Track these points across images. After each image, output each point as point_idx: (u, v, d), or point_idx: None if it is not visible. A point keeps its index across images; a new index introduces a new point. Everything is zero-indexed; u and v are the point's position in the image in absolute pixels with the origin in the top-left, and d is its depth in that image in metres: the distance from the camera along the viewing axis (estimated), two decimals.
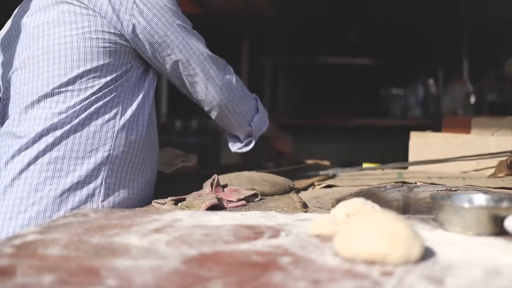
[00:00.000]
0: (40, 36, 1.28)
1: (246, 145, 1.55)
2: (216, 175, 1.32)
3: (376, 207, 0.78)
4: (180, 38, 1.34)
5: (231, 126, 1.52)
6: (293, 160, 1.83)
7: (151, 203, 1.29)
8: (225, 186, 1.33)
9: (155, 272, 0.57)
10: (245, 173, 1.42)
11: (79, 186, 1.24)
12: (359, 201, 0.77)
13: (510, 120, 1.84)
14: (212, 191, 1.27)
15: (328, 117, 5.19)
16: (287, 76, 7.62)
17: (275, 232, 0.75)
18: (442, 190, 1.42)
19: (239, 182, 1.37)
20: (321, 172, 1.70)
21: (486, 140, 1.81)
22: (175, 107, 5.35)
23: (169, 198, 1.23)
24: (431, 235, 0.73)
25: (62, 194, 1.22)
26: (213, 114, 1.48)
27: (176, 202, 1.23)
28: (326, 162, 2.02)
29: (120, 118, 1.30)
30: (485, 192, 1.38)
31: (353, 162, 2.28)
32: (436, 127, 2.04)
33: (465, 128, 1.91)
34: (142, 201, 1.36)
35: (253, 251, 0.65)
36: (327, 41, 6.97)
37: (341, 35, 6.78)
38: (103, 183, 1.27)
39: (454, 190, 1.41)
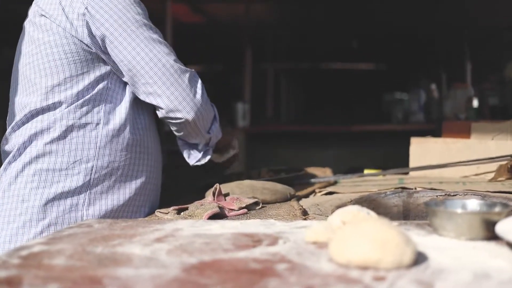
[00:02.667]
0: (21, 55, 1.33)
1: (204, 155, 1.47)
2: (218, 184, 1.34)
3: (372, 213, 0.81)
4: (135, 45, 1.28)
5: (193, 134, 1.41)
6: (295, 168, 1.85)
7: (154, 209, 1.32)
8: (227, 194, 1.36)
9: (156, 280, 0.59)
10: (247, 182, 1.44)
11: (63, 196, 1.26)
12: (354, 208, 0.79)
13: (509, 124, 1.85)
14: (214, 200, 1.29)
15: (331, 123, 5.21)
16: (290, 83, 7.64)
17: (273, 240, 0.77)
18: (441, 195, 1.43)
19: (240, 191, 1.39)
20: (322, 179, 1.72)
21: (486, 145, 1.82)
22: None
23: (172, 208, 1.25)
24: (425, 240, 0.75)
25: (46, 204, 1.25)
26: (177, 123, 1.37)
27: (179, 212, 1.25)
28: (327, 171, 2.04)
29: (103, 128, 1.29)
30: (483, 196, 1.40)
31: (356, 168, 2.29)
32: (438, 132, 2.06)
33: (465, 133, 1.93)
34: (140, 208, 1.37)
35: (251, 258, 0.67)
36: (329, 47, 6.99)
37: (343, 41, 6.81)
38: (88, 192, 1.28)
39: (453, 195, 1.43)
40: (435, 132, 2.15)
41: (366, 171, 1.91)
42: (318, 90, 7.47)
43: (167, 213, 1.25)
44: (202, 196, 1.41)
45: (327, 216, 1.21)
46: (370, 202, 1.42)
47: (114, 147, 1.31)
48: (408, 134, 2.06)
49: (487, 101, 4.20)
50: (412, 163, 1.93)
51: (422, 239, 0.76)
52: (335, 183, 1.73)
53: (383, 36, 6.37)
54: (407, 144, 1.97)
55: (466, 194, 1.42)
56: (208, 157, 1.47)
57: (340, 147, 4.65)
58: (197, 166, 1.49)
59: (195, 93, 1.33)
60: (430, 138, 1.97)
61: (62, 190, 1.26)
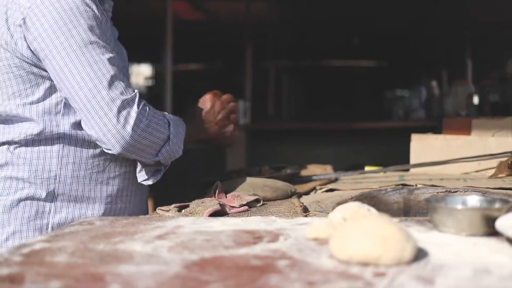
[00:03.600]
0: None
1: (154, 176, 1.32)
2: (218, 181, 1.34)
3: (373, 210, 0.81)
4: (68, 66, 1.17)
5: (134, 158, 1.29)
6: (295, 165, 1.85)
7: (139, 215, 1.27)
8: (227, 192, 1.36)
9: (157, 277, 0.59)
10: (247, 179, 1.44)
11: (27, 204, 1.24)
12: (355, 205, 0.80)
13: (510, 121, 1.85)
14: (215, 197, 1.30)
15: (332, 120, 5.21)
16: (291, 80, 7.64)
17: (274, 237, 0.77)
18: (441, 192, 1.44)
19: (241, 188, 1.39)
20: (323, 176, 1.72)
21: (487, 141, 1.83)
22: (179, 112, 5.40)
23: (173, 205, 1.26)
24: (425, 237, 0.75)
25: (10, 211, 1.24)
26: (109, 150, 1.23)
27: (180, 209, 1.25)
28: (328, 168, 2.04)
29: (65, 137, 1.25)
30: (484, 193, 1.40)
31: (357, 165, 2.30)
32: (439, 129, 2.06)
33: (466, 129, 1.93)
34: (119, 215, 1.30)
35: (252, 255, 0.68)
36: (330, 44, 6.98)
37: (344, 38, 6.80)
38: (54, 200, 1.26)
39: (454, 192, 1.43)
40: (436, 129, 2.15)
41: (366, 168, 1.91)
42: (319, 87, 7.46)
43: (168, 211, 1.25)
44: (203, 194, 1.41)
45: (328, 213, 1.21)
46: (371, 199, 1.43)
47: (78, 155, 1.27)
48: (409, 131, 2.06)
49: (488, 98, 4.20)
50: (413, 160, 1.94)
51: (422, 235, 0.76)
52: (335, 180, 1.74)
53: (384, 33, 6.36)
54: (408, 141, 1.98)
55: (466, 191, 1.42)
56: (158, 178, 1.33)
57: (341, 144, 4.66)
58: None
59: (124, 124, 1.18)
60: (431, 135, 1.97)
61: (26, 197, 1.24)
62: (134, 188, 1.37)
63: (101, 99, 1.17)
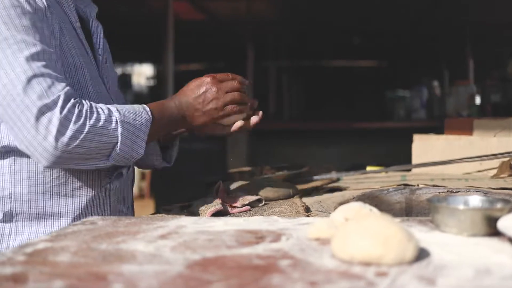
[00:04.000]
0: None
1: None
2: (220, 181, 1.34)
3: (375, 210, 0.81)
4: None
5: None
6: (297, 165, 1.85)
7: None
8: (229, 192, 1.36)
9: (160, 276, 0.60)
10: (249, 179, 1.45)
11: None
12: (357, 205, 0.80)
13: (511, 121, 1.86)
14: (217, 197, 1.30)
15: (333, 120, 5.22)
16: (292, 80, 7.64)
17: (276, 237, 0.77)
18: (443, 192, 1.44)
19: (243, 188, 1.39)
20: (324, 176, 1.73)
21: (489, 141, 1.83)
22: None
23: (175, 205, 1.26)
24: (427, 237, 0.75)
25: None
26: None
27: (182, 209, 1.26)
28: (330, 168, 2.04)
29: (14, 150, 1.11)
30: (486, 193, 1.40)
31: (359, 165, 2.30)
32: (440, 129, 2.07)
33: (468, 129, 1.93)
34: None
35: (254, 255, 0.68)
36: (330, 44, 6.98)
37: (344, 38, 6.80)
38: (13, 221, 1.13)
39: (456, 192, 1.43)
40: (438, 129, 2.15)
41: (368, 168, 1.91)
42: (320, 87, 7.46)
43: (170, 210, 1.26)
44: (205, 194, 1.41)
45: (330, 213, 1.21)
46: (373, 199, 1.43)
47: (33, 169, 1.12)
48: (411, 131, 2.06)
49: (490, 98, 4.20)
50: (415, 160, 1.94)
51: (424, 235, 0.76)
52: (337, 180, 1.74)
53: (385, 33, 6.36)
54: (410, 141, 1.98)
55: (468, 191, 1.42)
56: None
57: (343, 144, 4.66)
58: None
59: (45, 134, 1.00)
60: (433, 135, 1.98)
61: None
62: (107, 195, 1.22)
63: (16, 108, 1.01)
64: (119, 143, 1.07)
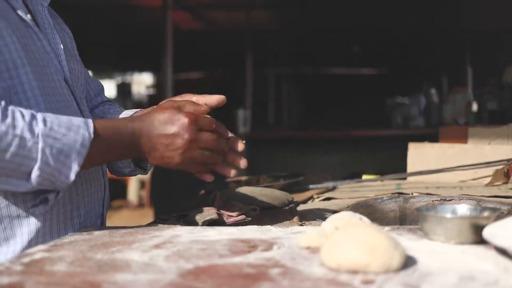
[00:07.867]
0: None
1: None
2: (216, 190, 1.36)
3: (365, 219, 0.83)
4: None
5: None
6: (294, 174, 1.87)
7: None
8: (225, 201, 1.38)
9: (153, 285, 0.61)
10: (245, 188, 1.46)
11: None
12: (347, 214, 0.82)
13: (506, 129, 1.87)
14: (212, 206, 1.31)
15: (332, 128, 5.23)
16: (291, 88, 7.67)
17: (268, 246, 0.79)
18: (437, 200, 1.46)
19: (239, 197, 1.41)
20: (320, 185, 1.74)
21: (483, 149, 1.84)
22: None
23: (171, 215, 1.28)
24: (415, 245, 0.77)
25: None
26: None
27: (179, 218, 1.27)
28: (326, 176, 2.06)
29: None
30: (479, 201, 1.42)
31: (357, 173, 2.31)
32: (436, 137, 2.08)
33: (462, 138, 1.95)
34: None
35: (246, 263, 0.70)
36: (330, 52, 7.01)
37: (344, 46, 6.84)
38: None
39: (449, 200, 1.45)
40: (433, 137, 2.17)
41: (364, 177, 1.93)
42: (319, 95, 7.48)
43: (167, 220, 1.27)
44: (201, 203, 1.43)
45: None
46: (367, 208, 1.45)
47: None
48: (409, 139, 2.08)
49: (486, 106, 4.22)
50: (410, 168, 1.95)
51: (412, 243, 0.78)
52: (333, 188, 1.75)
53: (384, 41, 6.40)
54: (407, 149, 1.99)
55: (461, 199, 1.44)
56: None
57: (341, 152, 4.68)
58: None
59: None
60: (427, 143, 1.99)
61: None
62: (59, 221, 1.01)
63: None
64: (38, 161, 0.86)
